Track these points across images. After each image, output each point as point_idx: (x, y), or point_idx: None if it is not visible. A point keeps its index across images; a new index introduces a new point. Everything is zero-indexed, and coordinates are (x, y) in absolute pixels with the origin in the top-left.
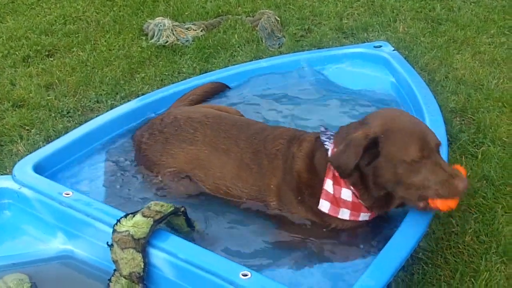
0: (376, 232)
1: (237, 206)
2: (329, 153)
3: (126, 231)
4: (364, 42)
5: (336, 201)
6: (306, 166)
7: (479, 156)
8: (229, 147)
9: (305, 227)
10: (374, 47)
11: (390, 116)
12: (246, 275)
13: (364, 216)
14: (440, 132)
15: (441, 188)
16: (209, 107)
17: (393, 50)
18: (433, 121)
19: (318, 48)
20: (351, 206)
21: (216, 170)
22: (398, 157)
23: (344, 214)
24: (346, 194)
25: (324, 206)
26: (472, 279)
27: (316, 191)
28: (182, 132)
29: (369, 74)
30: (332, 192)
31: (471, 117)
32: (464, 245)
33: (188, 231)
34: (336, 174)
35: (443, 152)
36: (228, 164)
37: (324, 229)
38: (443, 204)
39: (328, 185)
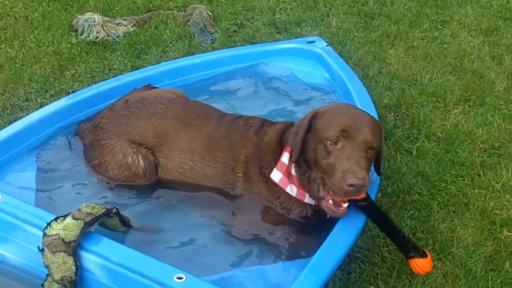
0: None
1: (195, 188)
2: None
3: (56, 234)
4: (298, 37)
5: (288, 175)
6: (274, 139)
7: (414, 152)
8: (201, 124)
9: (258, 220)
10: (308, 42)
11: (338, 104)
12: (181, 278)
13: (309, 199)
14: None
15: (333, 182)
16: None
17: (327, 46)
18: None
19: (251, 44)
20: (298, 184)
21: (185, 143)
22: (320, 134)
23: (292, 190)
24: (295, 171)
25: (276, 175)
26: (410, 277)
27: (275, 163)
28: (151, 107)
29: (302, 69)
30: (286, 164)
31: (405, 113)
32: None
33: (125, 230)
34: None
35: None
36: (198, 138)
37: (276, 210)
38: (334, 201)
39: (285, 157)
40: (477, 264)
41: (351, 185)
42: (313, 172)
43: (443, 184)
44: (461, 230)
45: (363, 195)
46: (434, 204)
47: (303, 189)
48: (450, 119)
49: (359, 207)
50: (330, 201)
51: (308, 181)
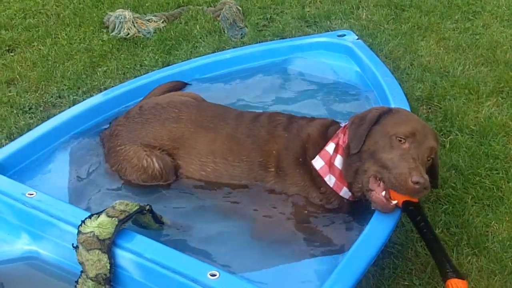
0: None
1: (219, 186)
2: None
3: (91, 232)
4: (327, 30)
5: (329, 164)
6: (318, 131)
7: (447, 145)
8: (218, 125)
9: (288, 215)
10: (338, 36)
11: (407, 111)
12: (214, 275)
13: (345, 193)
14: None
15: (396, 176)
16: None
17: (357, 39)
18: None
19: (281, 38)
20: (338, 175)
21: (204, 146)
22: (387, 129)
23: (331, 180)
24: (339, 161)
25: (318, 163)
26: None
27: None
28: (165, 113)
29: (333, 64)
30: (330, 154)
31: (437, 105)
32: None
33: (158, 227)
34: (340, 142)
35: None
36: (217, 140)
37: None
38: (393, 195)
39: (330, 147)
40: None
41: (417, 183)
42: (365, 164)
43: (477, 178)
44: (496, 224)
45: (417, 199)
46: (468, 198)
47: (342, 181)
48: (483, 111)
49: (408, 211)
50: (383, 193)
51: (355, 173)
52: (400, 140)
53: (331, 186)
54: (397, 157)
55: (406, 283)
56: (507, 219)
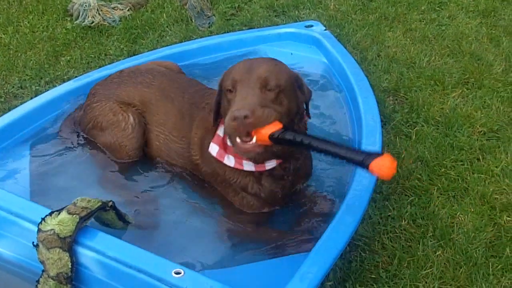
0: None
1: (171, 167)
2: None
3: (51, 229)
4: (296, 20)
5: (224, 145)
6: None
7: (413, 136)
8: (176, 96)
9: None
10: (306, 26)
11: (246, 59)
12: (179, 273)
13: (248, 165)
14: (373, 113)
15: (225, 125)
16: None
17: (325, 30)
18: (366, 101)
19: (249, 27)
20: (233, 152)
21: (161, 116)
22: (221, 88)
23: (230, 161)
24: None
25: (213, 149)
26: (410, 265)
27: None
28: (141, 77)
29: (300, 54)
30: (221, 136)
31: (404, 96)
32: (401, 230)
33: (121, 226)
34: None
35: (376, 133)
36: (171, 112)
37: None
38: (257, 137)
39: (221, 129)
40: (477, 251)
41: (235, 118)
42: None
43: (443, 169)
44: (461, 215)
45: (273, 127)
46: (434, 189)
47: (238, 156)
48: (449, 103)
49: (279, 140)
50: (238, 140)
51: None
52: (231, 91)
53: (233, 166)
54: (229, 108)
55: (373, 276)
56: (472, 210)
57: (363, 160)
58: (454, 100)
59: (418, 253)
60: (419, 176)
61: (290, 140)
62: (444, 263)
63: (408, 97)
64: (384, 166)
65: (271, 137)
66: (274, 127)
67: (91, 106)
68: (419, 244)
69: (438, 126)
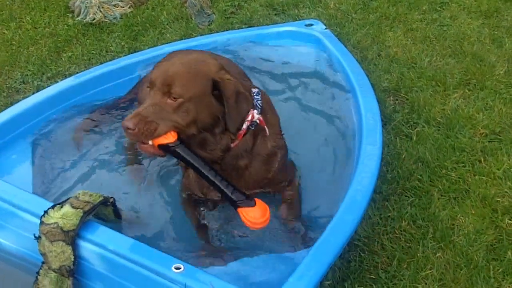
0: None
1: None
2: None
3: (55, 223)
4: (295, 19)
5: None
6: None
7: (414, 137)
8: None
9: None
10: (306, 25)
11: (172, 54)
12: (179, 268)
13: None
14: (374, 113)
15: None
16: None
17: (325, 29)
18: (366, 101)
19: (249, 26)
20: None
21: None
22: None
23: None
24: None
25: None
26: (410, 266)
27: None
28: None
29: (301, 53)
30: None
31: (404, 97)
32: (401, 230)
33: (115, 221)
34: None
35: (377, 133)
36: None
37: None
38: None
39: None
40: (478, 253)
41: (122, 127)
42: None
43: (444, 171)
44: (462, 217)
45: (164, 139)
46: (435, 191)
47: None
48: (450, 104)
49: (168, 151)
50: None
51: None
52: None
53: None
54: None
55: (372, 276)
56: (473, 212)
57: (236, 201)
58: (455, 101)
59: (418, 254)
60: (419, 177)
61: (178, 156)
62: (444, 265)
63: (409, 97)
64: (251, 217)
65: (160, 146)
66: (165, 139)
67: None
68: (419, 245)
69: (439, 127)
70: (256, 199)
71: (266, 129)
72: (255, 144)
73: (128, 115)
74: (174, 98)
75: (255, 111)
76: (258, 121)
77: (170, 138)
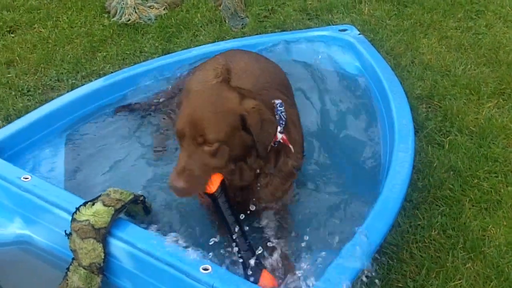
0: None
1: None
2: None
3: (86, 220)
4: (329, 24)
5: None
6: None
7: (446, 145)
8: None
9: None
10: (340, 30)
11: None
12: (206, 269)
13: None
14: (406, 119)
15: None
16: None
17: (359, 34)
18: (399, 108)
19: (282, 30)
20: None
21: None
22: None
23: None
24: None
25: None
26: (439, 276)
27: None
28: None
29: (334, 58)
30: None
31: (437, 104)
32: (431, 239)
33: (144, 218)
34: None
35: (409, 140)
36: None
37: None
38: None
39: None
40: (509, 265)
41: (170, 187)
42: None
43: (476, 180)
44: (493, 228)
45: (208, 190)
46: (466, 200)
47: None
48: (484, 113)
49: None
50: None
51: None
52: (176, 135)
53: None
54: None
55: (400, 284)
56: (505, 223)
57: (248, 266)
58: (489, 110)
59: (447, 264)
60: (451, 186)
61: (217, 206)
62: (474, 276)
63: (442, 105)
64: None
65: (207, 194)
66: (213, 183)
67: None
68: (449, 255)
69: (472, 136)
70: (265, 271)
71: (291, 147)
72: (278, 161)
73: (171, 174)
74: (210, 144)
75: (279, 128)
76: (281, 140)
77: (216, 179)
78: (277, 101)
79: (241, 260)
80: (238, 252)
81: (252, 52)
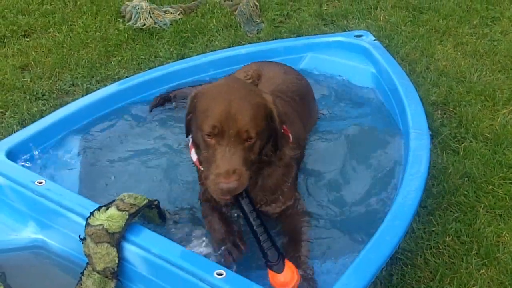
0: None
1: None
2: None
3: (100, 225)
4: (344, 30)
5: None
6: None
7: (461, 152)
8: None
9: None
10: (355, 36)
11: (221, 83)
12: (221, 274)
13: None
14: (421, 126)
15: (209, 182)
16: None
17: (374, 40)
18: (414, 114)
19: (297, 35)
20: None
21: None
22: (198, 122)
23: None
24: None
25: (193, 154)
26: (453, 282)
27: None
28: None
29: (349, 64)
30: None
31: (452, 111)
32: (445, 245)
33: (160, 223)
34: None
35: (424, 146)
36: None
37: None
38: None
39: (193, 153)
40: None
41: (222, 190)
42: (202, 154)
43: (490, 187)
44: (507, 235)
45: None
46: (480, 207)
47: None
48: (499, 119)
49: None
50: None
51: (201, 160)
52: (209, 136)
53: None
54: (210, 155)
55: None
56: None
57: (269, 261)
58: (504, 117)
59: (461, 270)
60: (465, 192)
61: (241, 207)
62: (488, 282)
63: (457, 111)
64: (274, 280)
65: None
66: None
67: None
68: (463, 261)
69: (487, 142)
70: (286, 261)
71: (290, 136)
72: (277, 151)
73: (217, 177)
74: (251, 138)
75: None
76: (282, 130)
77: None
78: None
79: (265, 254)
80: (262, 251)
81: (284, 66)
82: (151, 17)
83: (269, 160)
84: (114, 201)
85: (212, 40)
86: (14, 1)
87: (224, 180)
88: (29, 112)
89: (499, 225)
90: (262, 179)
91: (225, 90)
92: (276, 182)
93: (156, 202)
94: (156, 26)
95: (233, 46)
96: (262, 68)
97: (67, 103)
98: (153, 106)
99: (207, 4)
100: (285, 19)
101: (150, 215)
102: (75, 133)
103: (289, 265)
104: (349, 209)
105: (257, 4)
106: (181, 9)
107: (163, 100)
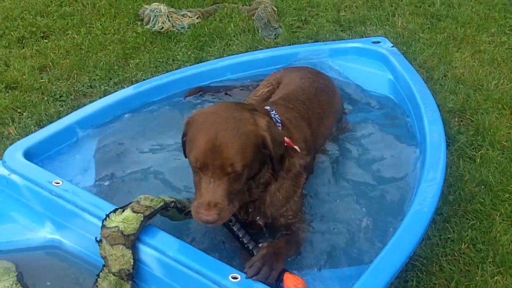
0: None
1: None
2: None
3: (116, 226)
4: (362, 36)
5: None
6: None
7: (478, 159)
8: None
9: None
10: (373, 42)
11: (210, 110)
12: (236, 278)
13: None
14: (438, 133)
15: (192, 207)
16: None
17: (392, 46)
18: (431, 121)
19: (315, 41)
20: None
21: None
22: (187, 149)
23: None
24: None
25: None
26: None
27: None
28: None
29: (366, 70)
30: None
31: (469, 118)
32: (460, 253)
33: (183, 218)
34: None
35: (441, 153)
36: None
37: None
38: None
39: None
40: None
41: (201, 220)
42: (193, 176)
43: (507, 195)
44: None
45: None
46: (497, 215)
47: None
48: None
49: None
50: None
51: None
52: (195, 168)
53: None
54: (195, 182)
55: None
56: None
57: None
58: None
59: (477, 278)
60: (481, 200)
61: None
62: None
63: (474, 119)
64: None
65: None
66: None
67: None
68: (478, 269)
69: (504, 150)
70: (288, 274)
71: (296, 147)
72: (284, 164)
73: (197, 207)
74: (237, 171)
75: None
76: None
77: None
78: (267, 107)
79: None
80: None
81: (306, 71)
82: (169, 20)
83: (275, 176)
84: (130, 203)
85: (229, 44)
86: (33, 3)
87: (204, 212)
88: (47, 113)
89: None
90: (270, 196)
91: (213, 120)
92: (286, 194)
93: (173, 204)
94: (174, 29)
95: (250, 51)
96: (284, 75)
97: (85, 105)
98: (189, 94)
99: (225, 9)
100: (303, 24)
101: (170, 214)
102: (92, 135)
103: (289, 278)
104: (365, 215)
105: (275, 9)
106: (199, 13)
107: (199, 90)
